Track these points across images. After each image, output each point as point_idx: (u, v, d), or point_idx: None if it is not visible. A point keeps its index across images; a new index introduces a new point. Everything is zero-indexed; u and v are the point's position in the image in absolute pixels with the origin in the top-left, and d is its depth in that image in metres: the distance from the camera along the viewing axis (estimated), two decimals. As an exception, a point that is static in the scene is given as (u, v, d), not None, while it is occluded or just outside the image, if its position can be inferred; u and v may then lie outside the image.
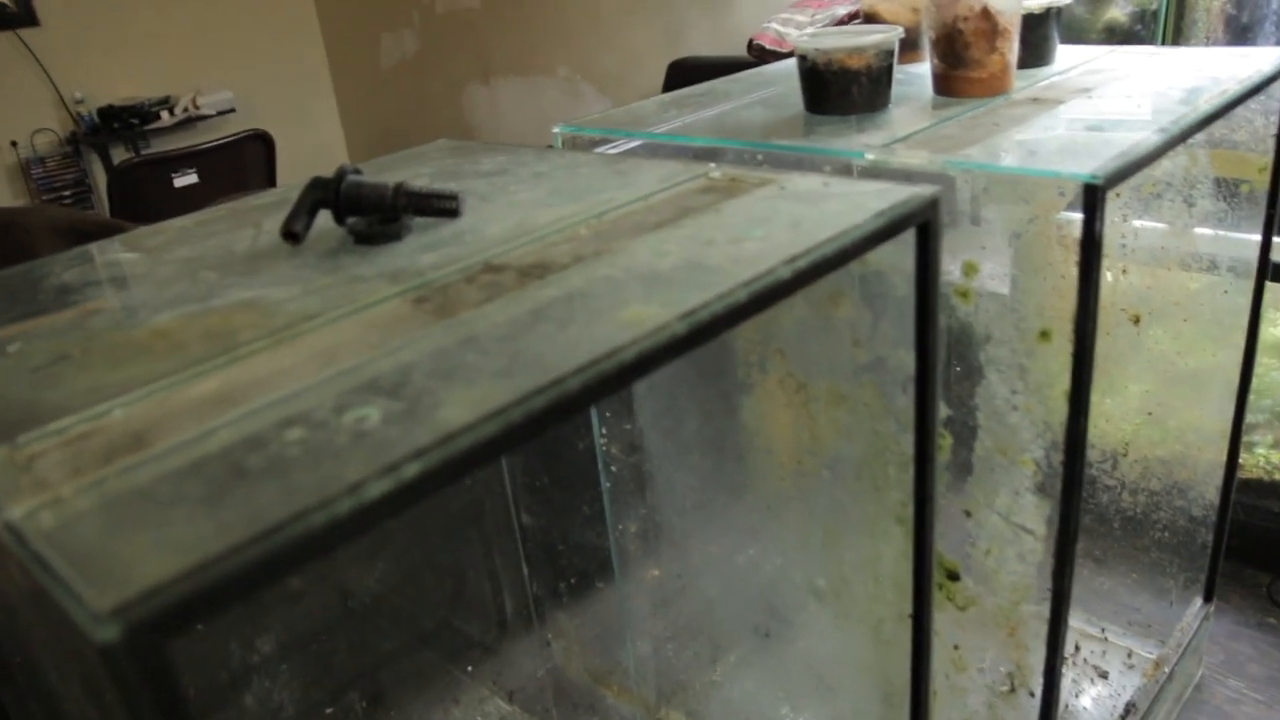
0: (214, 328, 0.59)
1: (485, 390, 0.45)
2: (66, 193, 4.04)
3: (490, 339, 0.51)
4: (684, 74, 3.00)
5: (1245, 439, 1.75)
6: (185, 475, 0.42)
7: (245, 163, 3.26)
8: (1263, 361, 1.74)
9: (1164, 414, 1.45)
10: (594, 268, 0.60)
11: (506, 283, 0.59)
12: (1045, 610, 0.95)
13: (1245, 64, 1.09)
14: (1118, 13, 1.83)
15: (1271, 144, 1.20)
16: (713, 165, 0.79)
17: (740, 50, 2.70)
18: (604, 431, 1.16)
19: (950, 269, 0.97)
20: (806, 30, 1.82)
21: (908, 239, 0.69)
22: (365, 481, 0.39)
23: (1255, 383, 1.69)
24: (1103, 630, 1.56)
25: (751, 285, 0.53)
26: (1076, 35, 1.87)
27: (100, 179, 4.09)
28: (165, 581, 0.34)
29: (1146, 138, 0.85)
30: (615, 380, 0.46)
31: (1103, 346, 1.32)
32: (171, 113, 4.13)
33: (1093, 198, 0.76)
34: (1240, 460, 1.73)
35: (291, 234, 0.72)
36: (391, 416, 0.44)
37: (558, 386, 0.44)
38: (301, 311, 0.59)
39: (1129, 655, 1.52)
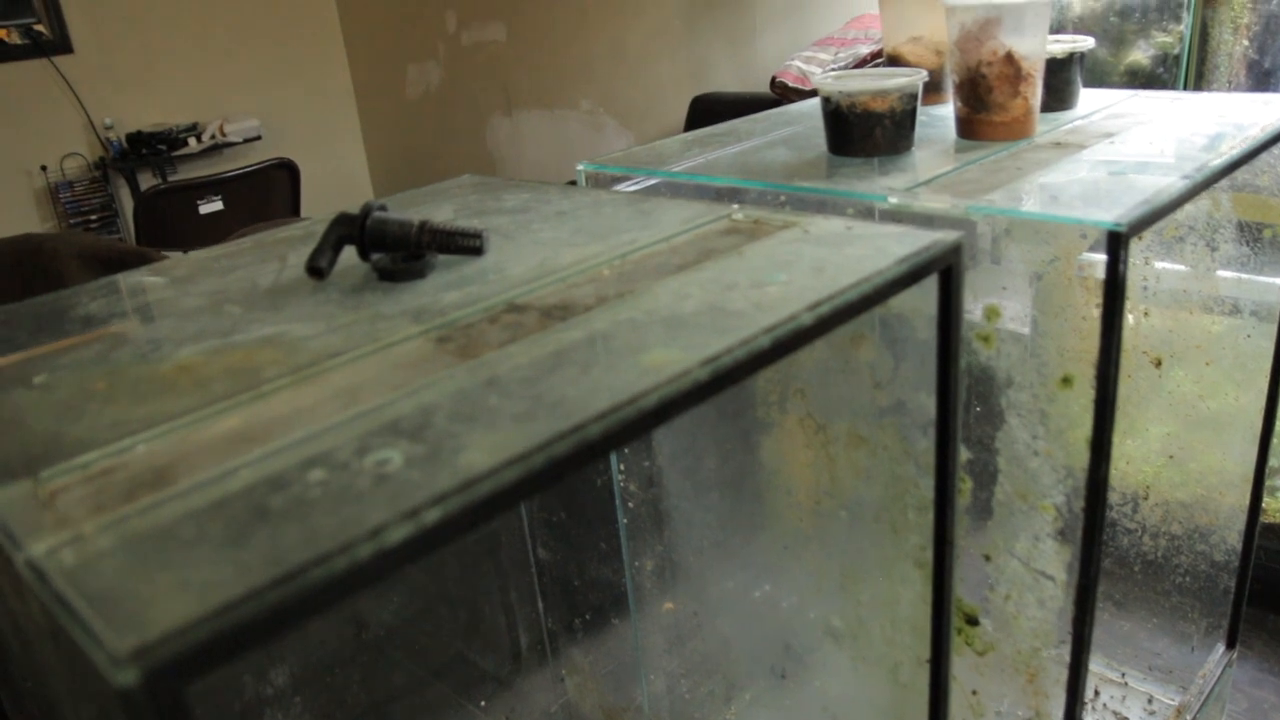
0: (237, 364, 0.60)
1: (507, 434, 0.45)
2: (93, 217, 4.09)
3: (512, 381, 0.51)
4: (706, 109, 3.02)
5: (1268, 483, 1.73)
6: (207, 515, 0.42)
7: (270, 190, 3.29)
8: (1286, 406, 1.73)
9: (1185, 457, 1.44)
10: (616, 310, 0.60)
11: (529, 323, 0.60)
12: (1065, 656, 0.94)
13: (1268, 110, 1.09)
14: (1140, 56, 1.83)
15: (1296, 190, 1.19)
16: (736, 206, 0.80)
17: (763, 87, 2.72)
18: (622, 468, 1.15)
19: (971, 310, 0.97)
20: (829, 71, 1.83)
21: (930, 282, 0.69)
22: (386, 526, 0.39)
23: (1278, 426, 1.67)
24: (1123, 675, 1.54)
25: (774, 331, 0.53)
26: (1099, 78, 1.87)
27: (127, 204, 4.15)
28: (185, 624, 0.34)
29: (1170, 184, 0.85)
30: (637, 426, 0.46)
31: (1124, 389, 1.32)
32: (199, 139, 4.19)
33: (1116, 245, 0.76)
34: (1263, 505, 1.71)
35: (316, 269, 0.73)
36: (413, 459, 0.44)
37: (579, 432, 0.44)
38: (325, 349, 0.60)
39: (1150, 701, 1.50)
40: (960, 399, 0.75)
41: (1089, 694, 1.53)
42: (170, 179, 4.01)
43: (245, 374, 0.58)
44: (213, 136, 4.21)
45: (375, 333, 0.61)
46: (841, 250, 0.67)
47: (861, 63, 2.24)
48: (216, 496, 0.44)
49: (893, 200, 0.88)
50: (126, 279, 0.83)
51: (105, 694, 0.34)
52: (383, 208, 0.75)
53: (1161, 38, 1.80)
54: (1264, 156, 1.18)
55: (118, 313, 0.74)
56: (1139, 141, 1.03)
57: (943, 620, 0.82)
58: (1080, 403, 0.89)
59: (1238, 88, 1.71)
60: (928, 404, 0.76)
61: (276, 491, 0.43)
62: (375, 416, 0.49)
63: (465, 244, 0.73)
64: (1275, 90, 1.67)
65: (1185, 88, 1.76)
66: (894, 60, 1.27)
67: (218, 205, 3.13)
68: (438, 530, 0.40)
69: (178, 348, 0.64)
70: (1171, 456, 1.44)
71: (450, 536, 0.41)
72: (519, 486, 0.42)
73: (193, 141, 4.17)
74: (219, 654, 0.35)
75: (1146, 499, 1.46)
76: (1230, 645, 1.50)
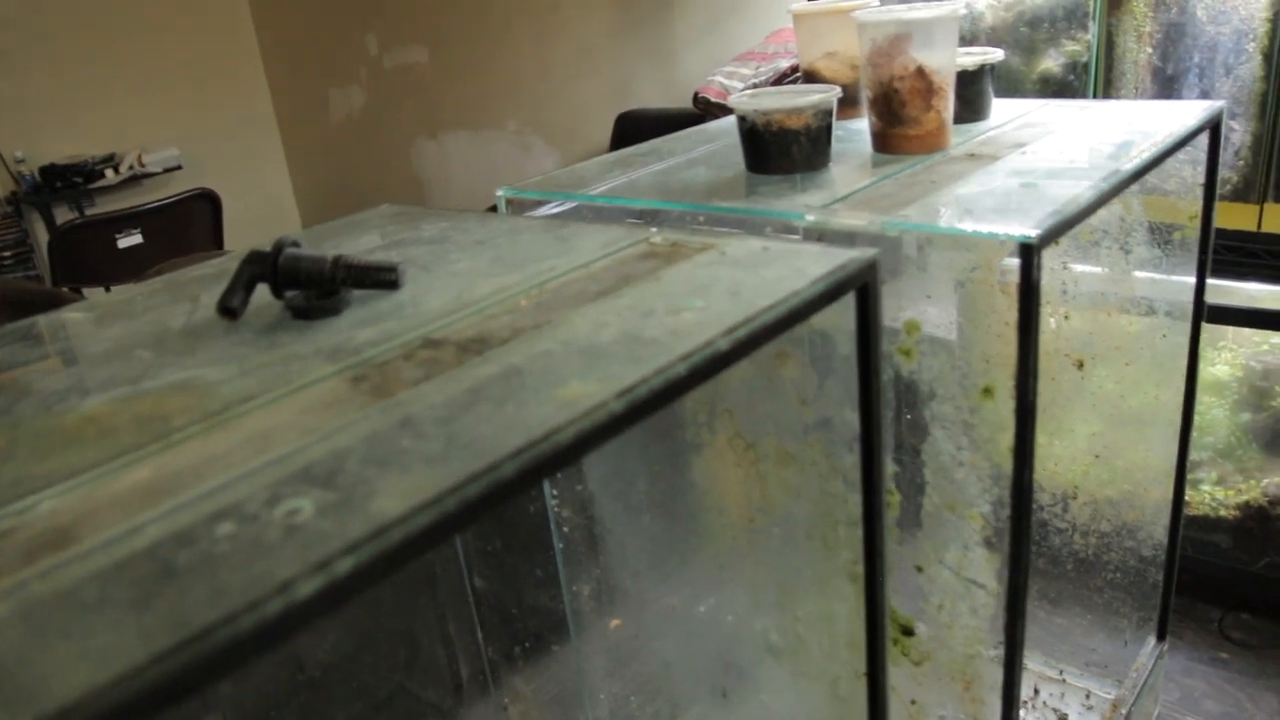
0: (146, 412, 0.58)
1: (419, 478, 0.44)
2: (7, 254, 3.97)
3: (426, 421, 0.50)
4: (632, 125, 3.03)
5: (1190, 476, 1.78)
6: (111, 576, 0.41)
7: (191, 222, 3.23)
8: (1204, 400, 1.78)
9: (1111, 455, 1.47)
10: (533, 342, 0.59)
11: (445, 359, 0.59)
12: (999, 663, 0.95)
13: (1172, 117, 1.12)
14: (1051, 64, 1.87)
15: (1200, 193, 1.23)
16: (654, 230, 0.80)
17: (687, 102, 2.73)
18: (555, 494, 1.15)
19: (896, 319, 0.98)
20: (744, 89, 1.84)
21: (852, 298, 0.70)
22: (296, 580, 0.38)
23: (1197, 420, 1.72)
24: (1061, 672, 1.57)
25: (690, 359, 0.53)
26: (1013, 87, 1.91)
27: (43, 239, 4.04)
28: (84, 697, 0.33)
29: (1080, 193, 0.87)
30: (553, 462, 0.46)
31: (1049, 391, 1.34)
32: (116, 171, 4.09)
33: (1029, 256, 0.77)
34: (1187, 498, 1.75)
35: (228, 310, 0.71)
36: (324, 508, 0.43)
37: (493, 472, 0.44)
38: (237, 393, 0.58)
39: (1087, 696, 1.53)
40: (883, 413, 0.75)
41: (1029, 693, 1.55)
42: (87, 212, 3.92)
43: (154, 423, 0.56)
44: (131, 167, 4.12)
45: (289, 374, 0.60)
46: (758, 272, 0.67)
47: (781, 77, 2.26)
48: (121, 556, 0.42)
49: (810, 218, 0.89)
50: (32, 325, 0.81)
51: (1, 774, 0.33)
52: (295, 244, 0.74)
53: (1070, 46, 1.84)
54: (1170, 163, 1.22)
55: (21, 361, 0.72)
56: (1049, 151, 1.05)
57: (877, 633, 0.82)
58: (1004, 409, 0.90)
59: (1144, 93, 1.76)
60: (853, 419, 0.76)
61: (183, 548, 0.42)
62: (287, 464, 0.48)
63: (380, 278, 0.71)
64: (1179, 95, 1.72)
65: (1095, 94, 1.81)
66: (810, 76, 1.28)
67: (137, 239, 3.06)
68: (350, 581, 0.39)
69: (85, 397, 0.62)
70: (1098, 456, 1.47)
71: (363, 586, 0.40)
72: (432, 531, 0.41)
73: (110, 173, 4.07)
74: (122, 724, 0.34)
75: (1075, 498, 1.49)
76: (1161, 637, 1.53)
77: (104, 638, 0.37)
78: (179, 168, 4.30)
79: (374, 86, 4.20)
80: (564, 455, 0.46)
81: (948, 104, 1.06)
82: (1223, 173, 1.70)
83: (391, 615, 1.31)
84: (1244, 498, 1.77)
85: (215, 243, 3.29)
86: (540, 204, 1.11)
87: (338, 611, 0.39)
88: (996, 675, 0.94)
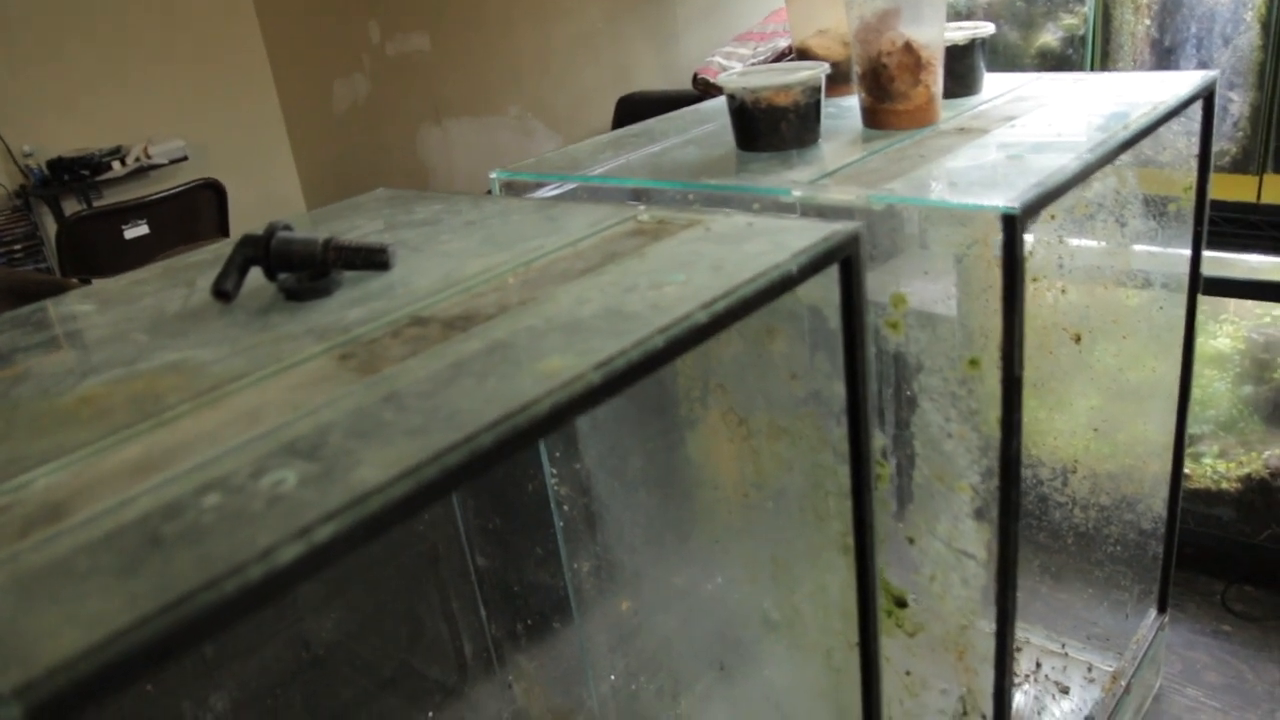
0: (140, 392, 0.59)
1: (400, 449, 0.45)
2: (17, 247, 3.99)
3: (410, 395, 0.51)
4: (632, 109, 3.03)
5: (1191, 449, 1.79)
6: (101, 546, 0.42)
7: (197, 212, 3.25)
8: (1205, 373, 1.78)
9: (1111, 429, 1.48)
10: (517, 318, 0.60)
11: (431, 335, 0.60)
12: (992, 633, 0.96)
13: (1164, 88, 1.13)
14: (1049, 38, 1.87)
15: (1194, 164, 1.23)
16: (642, 207, 0.80)
17: (687, 84, 2.73)
18: (554, 471, 1.16)
19: (889, 294, 0.98)
20: (735, 69, 1.84)
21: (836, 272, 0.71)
22: (277, 546, 0.40)
23: (1198, 394, 1.72)
24: (1063, 645, 1.57)
25: (668, 331, 0.54)
26: (1011, 61, 1.91)
27: (51, 231, 4.06)
28: (70, 658, 0.35)
29: (1065, 165, 0.87)
30: (531, 433, 0.47)
31: (1047, 365, 1.34)
32: (123, 163, 4.10)
33: (1011, 228, 0.78)
34: (1188, 470, 1.76)
35: (222, 293, 0.73)
36: (307, 479, 0.44)
37: (471, 443, 0.45)
38: (228, 372, 0.60)
39: (1089, 669, 1.54)
40: (871, 386, 0.76)
41: (1031, 666, 1.56)
42: (95, 204, 3.94)
43: (147, 402, 0.58)
44: (137, 159, 4.13)
45: (279, 353, 0.61)
46: (740, 247, 0.68)
47: (780, 56, 2.26)
48: (111, 527, 0.44)
49: (796, 194, 0.89)
50: (33, 310, 0.82)
51: (-7, 733, 0.34)
52: (288, 227, 0.75)
53: (1067, 19, 1.84)
54: (1164, 133, 1.22)
55: (22, 346, 0.73)
56: (1039, 124, 1.06)
57: (868, 603, 0.83)
58: (993, 381, 0.91)
59: (1142, 66, 1.76)
60: (842, 392, 0.77)
61: (171, 519, 0.43)
62: (273, 438, 0.49)
63: (371, 259, 0.73)
64: (1177, 66, 1.72)
65: (1092, 68, 1.81)
66: (803, 54, 1.29)
67: (143, 229, 3.07)
68: (330, 547, 0.41)
69: (81, 379, 0.64)
70: (1096, 429, 1.48)
71: (343, 553, 0.41)
72: (411, 499, 0.43)
73: (117, 165, 4.08)
74: (109, 684, 0.35)
75: (1075, 472, 1.49)
76: (1162, 610, 1.54)
77: (92, 603, 0.38)
78: (185, 159, 4.31)
79: (377, 74, 4.20)
80: (541, 426, 0.47)
81: (936, 79, 1.07)
82: (1221, 144, 1.70)
83: (396, 594, 1.32)
84: (1245, 470, 1.77)
85: (221, 232, 3.31)
86: (536, 186, 1.12)
87: (319, 576, 0.40)
88: (989, 645, 0.96)
